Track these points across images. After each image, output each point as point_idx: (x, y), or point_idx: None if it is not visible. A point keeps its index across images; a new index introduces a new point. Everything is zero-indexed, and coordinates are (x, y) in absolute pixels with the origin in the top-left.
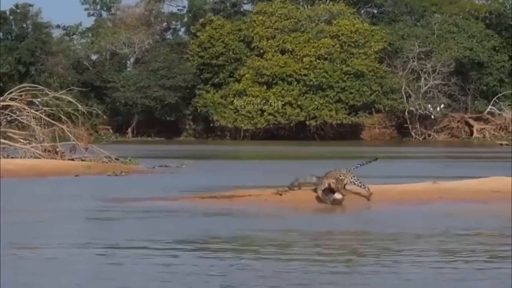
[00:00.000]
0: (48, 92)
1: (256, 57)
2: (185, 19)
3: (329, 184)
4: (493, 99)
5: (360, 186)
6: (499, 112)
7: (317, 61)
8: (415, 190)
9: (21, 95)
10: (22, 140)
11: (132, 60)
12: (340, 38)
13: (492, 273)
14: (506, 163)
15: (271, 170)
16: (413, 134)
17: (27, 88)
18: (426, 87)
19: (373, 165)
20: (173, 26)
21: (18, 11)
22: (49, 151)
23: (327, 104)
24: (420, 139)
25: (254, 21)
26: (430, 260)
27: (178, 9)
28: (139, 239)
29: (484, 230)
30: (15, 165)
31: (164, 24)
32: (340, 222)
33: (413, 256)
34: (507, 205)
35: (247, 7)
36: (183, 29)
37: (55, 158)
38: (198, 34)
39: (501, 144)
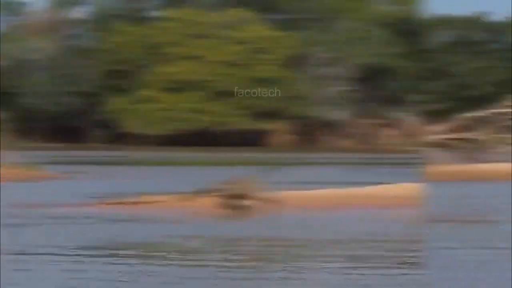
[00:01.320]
0: None
1: (163, 63)
2: (92, 25)
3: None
4: (400, 105)
5: None
6: (406, 118)
7: (224, 67)
8: (321, 196)
9: None
10: None
11: (38, 66)
12: (247, 44)
13: (400, 279)
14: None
15: (177, 176)
16: (320, 141)
17: None
18: (333, 93)
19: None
20: (80, 32)
21: None
22: None
23: (233, 110)
24: (327, 145)
25: (161, 27)
26: (338, 266)
27: (84, 15)
28: (46, 245)
29: (390, 236)
30: None
31: (71, 30)
32: (248, 227)
33: (321, 262)
34: (412, 211)
35: (155, 13)
36: (89, 35)
37: None
38: (104, 40)
39: (407, 150)
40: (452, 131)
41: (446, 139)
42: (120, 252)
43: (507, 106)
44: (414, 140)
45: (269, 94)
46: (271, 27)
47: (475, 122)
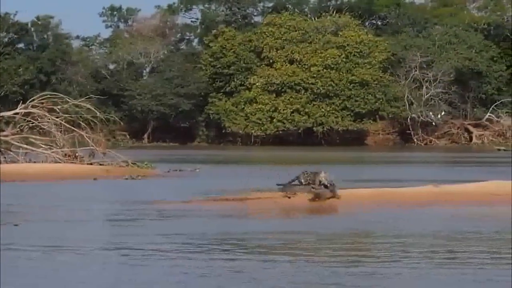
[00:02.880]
0: (68, 100)
1: (266, 67)
2: (198, 30)
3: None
4: (492, 107)
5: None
6: (497, 119)
7: (324, 70)
8: (417, 193)
9: (42, 103)
10: (43, 146)
11: (148, 69)
12: (346, 48)
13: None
14: (504, 167)
15: (281, 174)
16: (415, 140)
17: (48, 96)
18: (428, 95)
19: (378, 169)
20: (187, 37)
21: (39, 22)
22: (69, 156)
23: (333, 111)
24: (422, 144)
25: (264, 32)
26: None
27: (191, 21)
28: (157, 240)
29: (485, 232)
30: (36, 169)
31: (179, 35)
32: (342, 222)
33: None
34: (506, 208)
35: (257, 19)
36: (196, 40)
37: (75, 163)
38: (210, 44)
39: (499, 150)
40: None
41: None
42: (227, 246)
43: (33, 107)
44: (505, 139)
45: (368, 96)
46: (369, 32)
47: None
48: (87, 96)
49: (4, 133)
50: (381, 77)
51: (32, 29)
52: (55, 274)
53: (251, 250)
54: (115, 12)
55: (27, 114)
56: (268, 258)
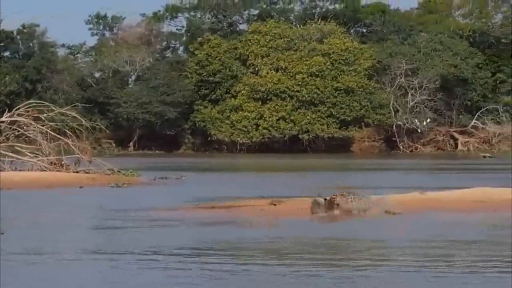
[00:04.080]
0: (54, 108)
1: (251, 74)
2: (184, 38)
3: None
4: (477, 114)
5: None
6: (482, 126)
7: (309, 78)
8: (403, 200)
9: (28, 111)
10: (29, 154)
11: (133, 77)
12: (331, 56)
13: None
14: (489, 174)
15: (266, 182)
16: (401, 147)
17: (33, 104)
18: (413, 102)
19: (363, 176)
20: (172, 45)
21: (25, 31)
22: (54, 164)
23: (319, 119)
24: (407, 151)
25: (249, 40)
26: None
27: (177, 29)
28: (143, 247)
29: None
30: (22, 177)
31: (164, 43)
32: (327, 229)
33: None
34: (490, 215)
35: (242, 26)
36: (181, 48)
37: (61, 171)
38: (196, 52)
39: (484, 157)
40: None
41: None
42: (212, 253)
43: (19, 115)
44: (491, 146)
45: (353, 103)
46: (355, 39)
47: None
48: (73, 104)
49: None
50: (366, 84)
51: (18, 37)
52: (42, 281)
53: (237, 257)
54: (100, 20)
55: (12, 123)
56: (254, 265)
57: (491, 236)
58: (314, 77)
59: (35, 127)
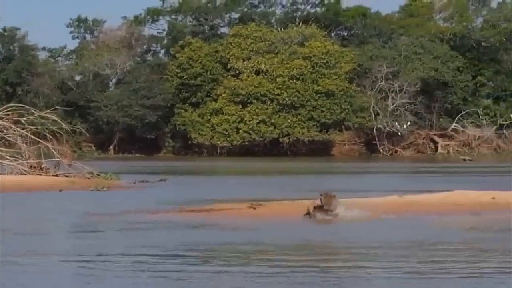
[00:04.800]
0: (34, 112)
1: (232, 78)
2: (165, 42)
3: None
4: (457, 117)
5: None
6: (462, 129)
7: (290, 81)
8: (382, 203)
9: (8, 114)
10: (8, 157)
11: (114, 80)
12: (312, 59)
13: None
14: (469, 177)
15: (247, 185)
16: (381, 150)
17: (13, 107)
18: (394, 105)
19: (343, 179)
20: (153, 48)
21: (5, 34)
22: (34, 167)
23: (299, 122)
24: (388, 155)
25: (231, 43)
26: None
27: (158, 32)
28: (122, 250)
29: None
30: (2, 181)
31: (145, 46)
32: (307, 232)
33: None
34: (469, 217)
35: (224, 30)
36: (162, 51)
37: (40, 174)
38: (177, 55)
39: (464, 160)
40: None
41: None
42: (191, 256)
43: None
44: (471, 149)
45: (334, 106)
46: (336, 43)
47: None
48: (53, 108)
49: None
50: (347, 87)
51: None
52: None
53: (216, 261)
54: (81, 24)
55: None
56: (233, 268)
57: (470, 239)
58: (294, 80)
59: (15, 131)
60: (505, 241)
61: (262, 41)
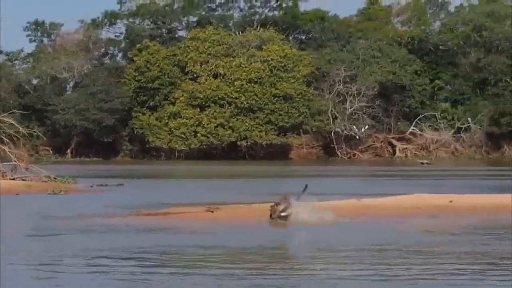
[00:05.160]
0: None
1: (190, 81)
2: (123, 45)
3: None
4: (415, 120)
5: None
6: (420, 132)
7: (248, 84)
8: (340, 207)
9: None
10: None
11: (71, 84)
12: (270, 62)
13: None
14: (426, 180)
15: (204, 188)
16: (339, 154)
17: None
18: (352, 109)
19: (300, 183)
20: (111, 52)
21: None
22: None
23: (257, 125)
24: (346, 158)
25: (188, 46)
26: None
27: (115, 35)
28: (78, 254)
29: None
30: None
31: (102, 49)
32: (262, 236)
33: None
34: (427, 220)
35: (181, 33)
36: (120, 55)
37: None
38: (134, 59)
39: (422, 163)
40: None
41: None
42: (147, 259)
43: None
44: (429, 153)
45: (291, 110)
46: (293, 46)
47: None
48: (10, 111)
49: None
50: (305, 91)
51: None
52: None
53: (172, 264)
54: (38, 27)
55: None
56: (187, 272)
57: (425, 242)
58: (252, 84)
59: None
60: (460, 244)
61: (220, 45)
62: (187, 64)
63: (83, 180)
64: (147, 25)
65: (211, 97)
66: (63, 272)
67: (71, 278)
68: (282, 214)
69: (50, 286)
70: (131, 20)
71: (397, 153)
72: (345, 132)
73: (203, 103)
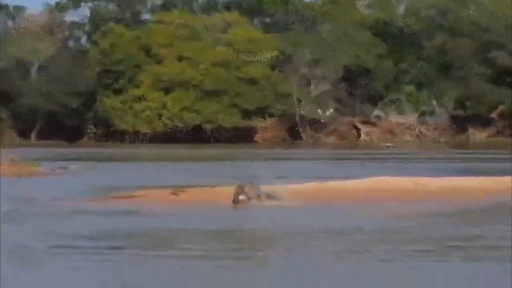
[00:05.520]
0: None
1: (155, 64)
2: (87, 28)
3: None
4: (380, 104)
5: None
6: (385, 116)
7: (213, 67)
8: (303, 190)
9: None
10: None
11: (36, 67)
12: (235, 46)
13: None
14: (392, 164)
15: (169, 171)
16: (304, 137)
17: None
18: (316, 92)
19: (264, 166)
20: (75, 35)
21: None
22: None
23: (222, 109)
24: (311, 141)
25: (153, 29)
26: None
27: (80, 19)
28: (41, 237)
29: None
30: None
31: (67, 32)
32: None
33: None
34: (391, 204)
35: (146, 16)
36: (85, 38)
37: None
38: (99, 42)
39: (387, 146)
40: None
41: None
42: (109, 241)
43: None
44: (393, 136)
45: (256, 93)
46: (258, 29)
47: None
48: None
49: None
50: (269, 74)
51: None
52: None
53: (133, 246)
54: (2, 10)
55: None
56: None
57: (388, 226)
58: (217, 67)
59: None
60: (425, 226)
61: (184, 28)
62: (151, 47)
63: (47, 163)
64: (112, 8)
65: (176, 80)
66: (23, 258)
67: (31, 263)
68: (242, 197)
69: (8, 271)
70: (95, 3)
71: (362, 136)
72: (310, 115)
73: (168, 86)
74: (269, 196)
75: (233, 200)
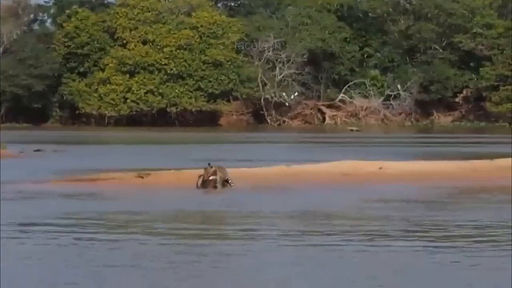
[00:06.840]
0: None
1: (119, 47)
2: (52, 11)
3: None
4: (344, 88)
5: None
6: (350, 99)
7: (177, 51)
8: (268, 174)
9: None
10: None
11: (0, 50)
12: (199, 29)
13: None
14: (356, 147)
15: (134, 154)
16: (269, 121)
17: None
18: (281, 76)
19: (229, 149)
20: (40, 18)
21: None
22: None
23: (187, 92)
24: (275, 125)
25: (118, 13)
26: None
27: (45, 1)
28: (6, 220)
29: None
30: None
31: (32, 15)
32: (206, 202)
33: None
34: (357, 186)
35: None
36: (49, 20)
37: None
38: (64, 25)
39: (351, 130)
40: None
41: None
42: (75, 225)
43: None
44: (358, 120)
45: (221, 77)
46: (223, 13)
47: None
48: None
49: None
50: (234, 58)
51: None
52: None
53: (97, 230)
54: None
55: None
56: (113, 238)
57: (355, 209)
58: (182, 50)
59: None
60: (388, 209)
61: (149, 11)
62: (116, 30)
63: (12, 146)
64: None
65: (141, 64)
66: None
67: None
68: (208, 179)
69: None
70: None
71: (327, 120)
72: (275, 99)
73: (133, 69)
74: (233, 180)
75: (198, 183)
